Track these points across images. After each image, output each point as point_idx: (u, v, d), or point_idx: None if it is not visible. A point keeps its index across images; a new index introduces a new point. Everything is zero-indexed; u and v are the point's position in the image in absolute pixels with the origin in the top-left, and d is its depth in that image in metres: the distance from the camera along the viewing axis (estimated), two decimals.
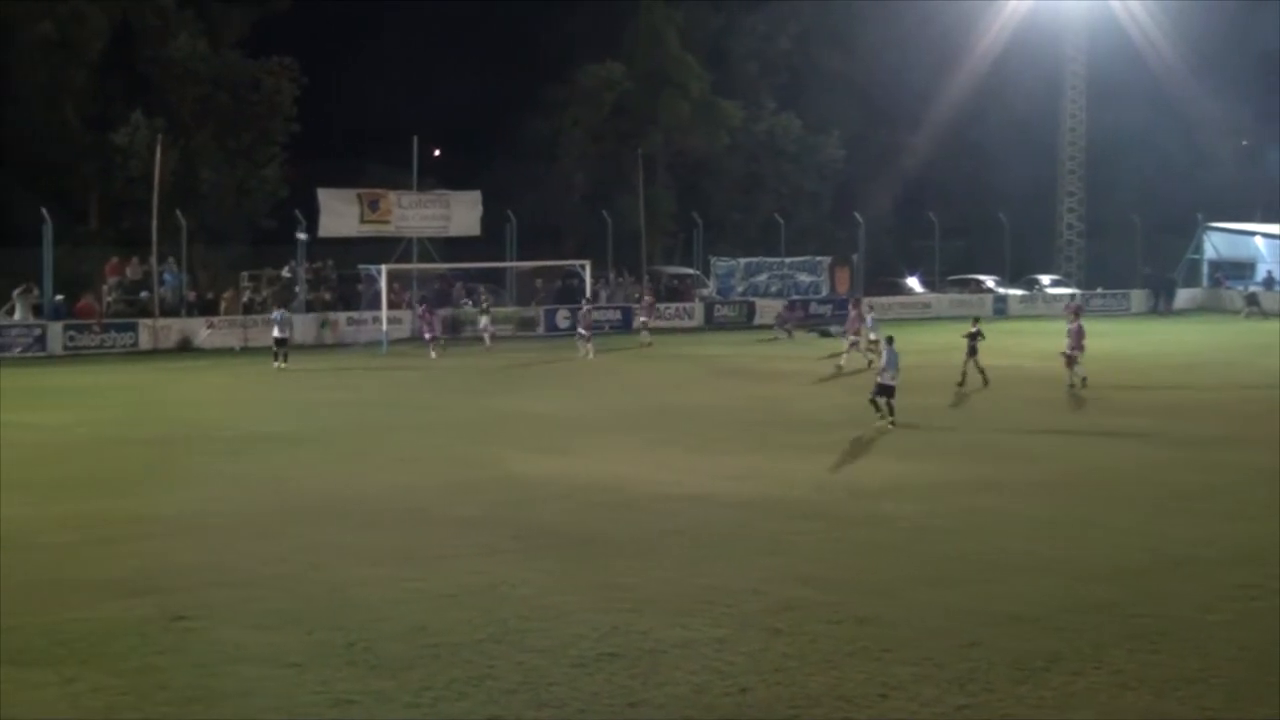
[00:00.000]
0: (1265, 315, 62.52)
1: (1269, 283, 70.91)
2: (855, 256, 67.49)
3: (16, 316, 49.26)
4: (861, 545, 18.43)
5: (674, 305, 61.86)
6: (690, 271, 66.80)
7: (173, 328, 50.51)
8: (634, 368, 43.99)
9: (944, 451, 26.59)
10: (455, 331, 53.88)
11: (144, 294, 51.98)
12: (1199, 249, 74.58)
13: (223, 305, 52.54)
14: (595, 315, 53.08)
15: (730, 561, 17.44)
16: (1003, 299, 67.50)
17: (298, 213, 54.12)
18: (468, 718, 12.07)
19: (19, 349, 47.33)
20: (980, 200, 72.50)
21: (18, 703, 12.31)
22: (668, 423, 30.73)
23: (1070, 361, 36.47)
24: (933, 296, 67.36)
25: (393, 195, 56.47)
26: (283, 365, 42.79)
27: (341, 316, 54.01)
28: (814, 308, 62.11)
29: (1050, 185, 76.52)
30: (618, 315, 58.37)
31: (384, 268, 51.78)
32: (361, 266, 54.72)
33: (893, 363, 30.14)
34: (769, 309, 59.58)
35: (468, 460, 25.46)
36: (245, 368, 42.77)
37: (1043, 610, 15.18)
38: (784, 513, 20.54)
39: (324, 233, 54.54)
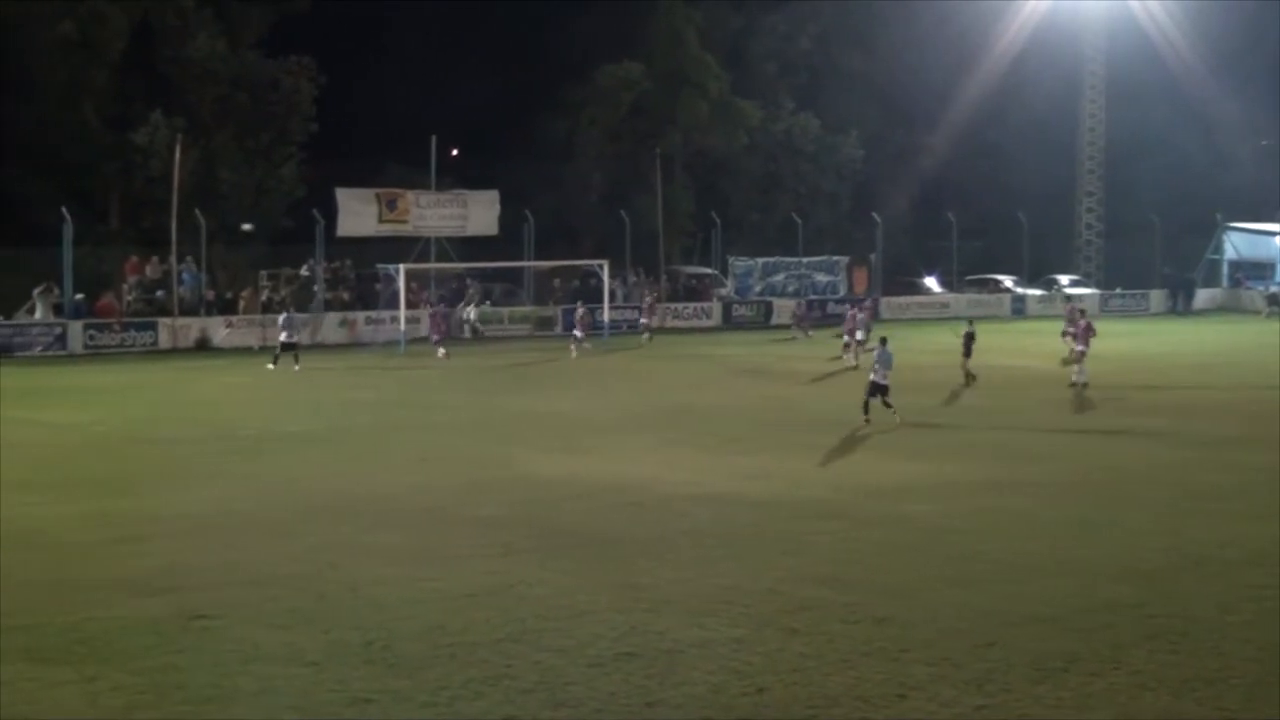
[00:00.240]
0: None
1: None
2: (873, 256, 67.39)
3: (37, 315, 49.45)
4: (878, 545, 18.41)
5: (692, 305, 61.94)
6: (708, 271, 66.77)
7: (192, 327, 50.66)
8: (650, 367, 43.96)
9: (959, 451, 26.55)
10: (474, 332, 54.06)
11: (160, 293, 52.11)
12: (1219, 249, 74.36)
13: (241, 304, 52.65)
14: (613, 315, 53.31)
15: (747, 561, 17.43)
16: (1021, 299, 67.37)
17: (316, 212, 54.25)
18: (485, 717, 12.08)
19: (40, 348, 47.52)
20: (999, 200, 72.31)
21: (37, 701, 12.36)
22: (684, 422, 30.72)
23: (1079, 357, 36.40)
24: (951, 296, 67.26)
25: (411, 195, 56.55)
26: (280, 366, 42.62)
27: (360, 316, 54.11)
28: (831, 308, 62.01)
29: (1069, 185, 76.37)
30: (635, 315, 58.35)
31: (402, 267, 51.83)
32: (379, 266, 54.77)
33: (886, 362, 30.18)
34: (787, 309, 59.52)
35: (485, 460, 25.49)
36: (264, 367, 42.82)
37: (1061, 611, 15.16)
38: (800, 513, 20.54)
39: (342, 232, 54.65)
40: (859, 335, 42.89)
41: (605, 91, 71.03)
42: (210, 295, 53.12)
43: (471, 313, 51.44)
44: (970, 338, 37.63)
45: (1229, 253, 74.49)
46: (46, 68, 58.30)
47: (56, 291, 49.75)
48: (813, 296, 61.91)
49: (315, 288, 54.73)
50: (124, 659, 13.48)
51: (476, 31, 74.11)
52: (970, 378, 36.92)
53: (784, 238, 68.03)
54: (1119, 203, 75.45)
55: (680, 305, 61.67)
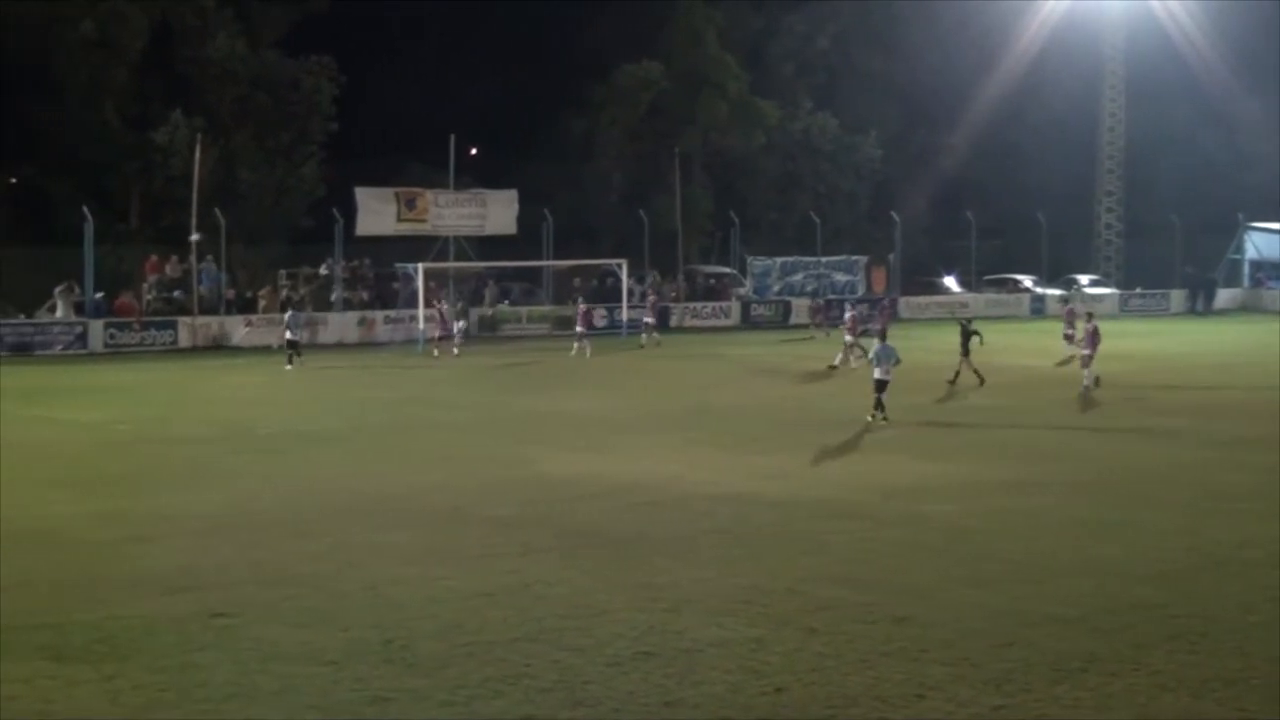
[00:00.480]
0: None
1: None
2: (892, 256, 67.31)
3: (58, 314, 49.66)
4: (897, 545, 18.39)
5: (710, 304, 61.96)
6: (727, 271, 66.75)
7: (211, 326, 50.81)
8: (667, 367, 43.97)
9: (977, 451, 26.51)
10: (493, 330, 54.18)
11: (178, 293, 52.25)
12: (1240, 249, 74.10)
13: (261, 303, 52.79)
14: (631, 314, 53.29)
15: (765, 561, 17.42)
16: (1040, 299, 67.23)
17: (335, 211, 54.37)
18: (503, 716, 12.08)
19: (61, 346, 47.74)
20: (1018, 200, 72.21)
21: (58, 699, 12.40)
22: (702, 422, 30.73)
23: (1086, 361, 36.31)
24: (969, 296, 67.15)
25: (429, 194, 56.62)
26: (298, 365, 42.72)
27: (379, 315, 54.21)
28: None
29: (1088, 185, 76.20)
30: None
31: (420, 266, 51.90)
32: (398, 265, 54.87)
33: (888, 357, 30.18)
34: (805, 308, 59.47)
35: (503, 459, 25.50)
36: (283, 366, 42.91)
37: (1080, 611, 15.12)
38: (819, 512, 20.52)
39: (361, 231, 54.76)
40: (846, 337, 42.67)
41: (624, 91, 71.09)
42: (230, 294, 53.27)
43: (460, 324, 50.50)
44: (968, 335, 37.49)
45: (1250, 252, 74.21)
46: (67, 67, 58.58)
47: (77, 290, 49.96)
48: (831, 296, 61.85)
49: (334, 286, 54.84)
50: (144, 657, 13.51)
51: (496, 31, 74.23)
52: (955, 377, 36.82)
53: (802, 237, 68.02)
54: (1139, 202, 75.26)
55: (699, 305, 61.69)
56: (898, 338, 44.87)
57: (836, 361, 41.71)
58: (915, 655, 13.57)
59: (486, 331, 55.43)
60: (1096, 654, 13.58)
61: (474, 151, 69.46)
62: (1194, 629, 14.49)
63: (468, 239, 57.11)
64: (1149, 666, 13.28)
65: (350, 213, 54.28)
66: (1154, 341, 49.03)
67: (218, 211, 51.87)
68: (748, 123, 72.39)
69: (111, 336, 48.79)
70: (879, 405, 29.97)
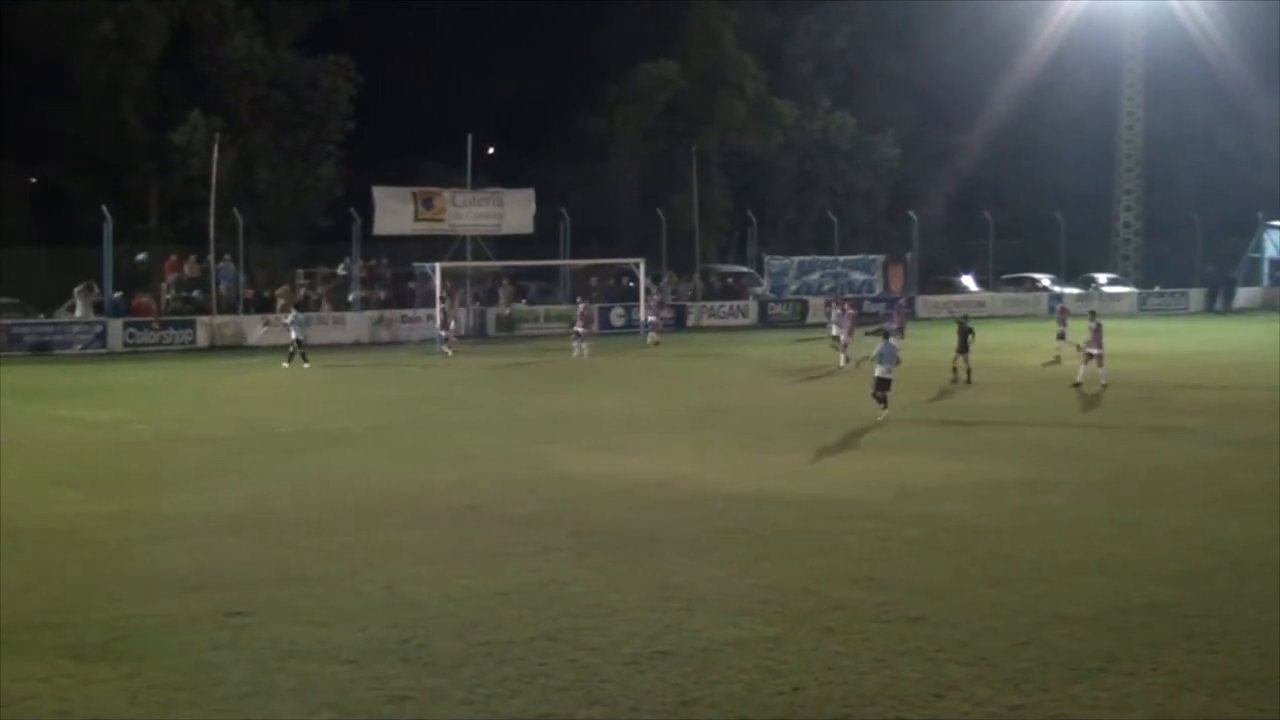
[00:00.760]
0: None
1: None
2: (909, 255, 67.25)
3: (78, 314, 49.83)
4: (912, 545, 18.36)
5: (728, 304, 62.00)
6: (744, 270, 66.76)
7: (230, 325, 50.95)
8: (683, 366, 43.98)
9: (992, 450, 26.47)
10: (510, 329, 54.28)
11: (196, 293, 52.42)
12: (1259, 247, 73.88)
13: (279, 303, 52.91)
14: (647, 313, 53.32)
15: (781, 560, 17.41)
16: (1058, 298, 67.04)
17: (352, 211, 54.46)
18: (520, 715, 12.09)
19: (80, 346, 47.92)
20: (1036, 199, 72.09)
21: (76, 698, 12.43)
22: (717, 421, 30.74)
23: (1088, 358, 36.22)
24: (987, 295, 67.09)
25: (447, 193, 56.71)
26: (294, 365, 42.90)
27: (396, 314, 54.30)
28: (866, 306, 61.86)
29: (1107, 184, 76.04)
30: (670, 314, 58.48)
31: (438, 265, 51.98)
32: (415, 264, 54.96)
33: (890, 356, 30.22)
34: (823, 308, 59.44)
35: (519, 458, 25.52)
36: (300, 367, 43.00)
37: (1097, 610, 15.09)
38: (834, 512, 20.50)
39: (378, 231, 54.88)
40: (841, 337, 42.56)
41: (641, 90, 71.11)
42: (249, 294, 53.40)
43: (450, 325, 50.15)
44: (967, 333, 37.47)
45: (1270, 251, 74.01)
46: (86, 67, 58.72)
47: (96, 290, 50.14)
48: (849, 295, 61.79)
49: (351, 286, 54.95)
50: (161, 656, 13.55)
51: (513, 31, 74.16)
52: (956, 374, 36.82)
53: (820, 236, 68.03)
54: (1158, 201, 75.05)
55: (716, 304, 61.74)
56: (914, 337, 45.23)
57: (843, 362, 41.49)
58: (931, 654, 13.55)
59: (503, 331, 55.54)
60: (1114, 653, 13.55)
61: (491, 151, 69.53)
62: (1211, 629, 14.44)
63: (485, 238, 57.19)
64: (1167, 666, 13.24)
65: (368, 212, 54.40)
66: (1172, 340, 48.90)
67: (236, 211, 52.02)
68: (765, 122, 72.35)
69: (131, 336, 48.97)
70: (883, 403, 30.04)
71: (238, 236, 52.41)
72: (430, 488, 22.56)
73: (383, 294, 56.19)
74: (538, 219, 57.97)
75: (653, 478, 23.33)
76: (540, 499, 21.49)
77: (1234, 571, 16.97)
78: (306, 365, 42.84)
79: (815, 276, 63.76)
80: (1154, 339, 47.49)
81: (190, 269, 53.62)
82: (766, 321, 61.03)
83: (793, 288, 63.33)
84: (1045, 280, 69.31)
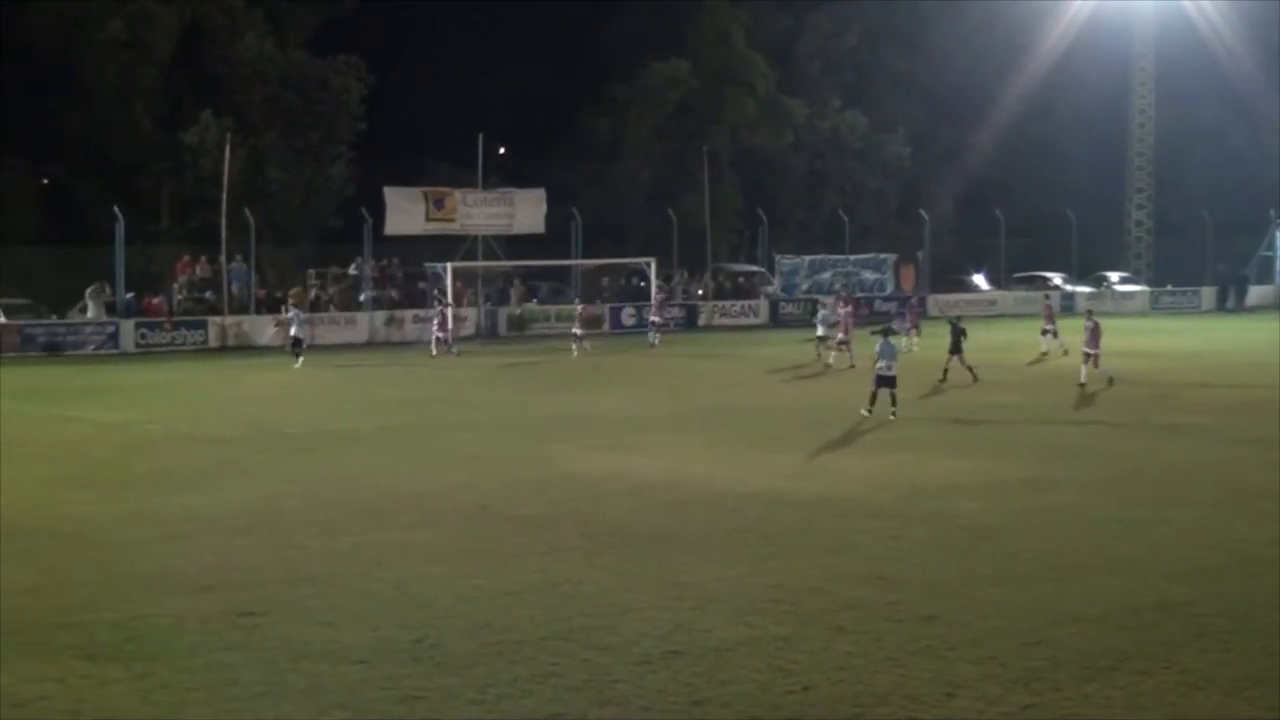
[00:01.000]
0: None
1: None
2: (920, 254, 67.23)
3: (90, 314, 49.94)
4: (923, 544, 18.34)
5: (739, 303, 62.03)
6: (755, 269, 66.77)
7: (241, 325, 51.05)
8: (692, 365, 44.00)
9: (1002, 449, 26.44)
10: (521, 329, 54.31)
11: (209, 294, 52.52)
12: (1271, 245, 73.74)
13: (290, 303, 52.98)
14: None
15: (792, 560, 17.40)
16: (1070, 296, 67.01)
17: (364, 211, 54.54)
18: (532, 715, 12.09)
19: (92, 346, 48.04)
20: (1047, 197, 72.04)
21: (90, 698, 12.45)
22: (727, 420, 30.74)
23: (1087, 358, 36.18)
24: (998, 294, 67.05)
25: (458, 193, 56.78)
26: (299, 364, 43.07)
27: (407, 314, 54.36)
28: (878, 304, 61.85)
29: (1118, 182, 75.95)
30: (680, 313, 58.52)
31: (449, 265, 51.99)
32: (427, 264, 55.03)
33: (890, 354, 30.35)
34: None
35: (529, 458, 25.53)
36: (311, 365, 43.08)
37: (1109, 609, 15.06)
38: (844, 511, 20.49)
39: (390, 231, 54.97)
40: (839, 336, 42.44)
41: (652, 90, 71.14)
42: (260, 294, 53.48)
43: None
44: (959, 333, 37.49)
45: None
46: (96, 68, 58.86)
47: (108, 290, 50.25)
48: (859, 294, 61.78)
49: (362, 286, 55.01)
50: (174, 656, 13.57)
51: (524, 30, 74.29)
52: (946, 375, 36.81)
53: (830, 235, 68.05)
54: (1169, 199, 74.99)
55: (727, 303, 61.76)
56: (925, 335, 45.20)
57: (846, 362, 41.30)
58: (943, 653, 13.54)
59: (515, 331, 55.59)
60: (1126, 652, 13.53)
61: (502, 151, 69.59)
62: (1223, 627, 14.41)
63: (496, 238, 57.23)
64: (1179, 665, 13.21)
65: (379, 212, 54.48)
66: (1184, 339, 48.79)
67: (247, 211, 52.13)
68: (776, 121, 72.39)
69: (143, 336, 49.09)
70: (892, 400, 30.15)
71: (249, 236, 52.51)
72: (439, 488, 22.57)
73: (394, 294, 56.27)
74: (549, 219, 58.02)
75: (662, 477, 23.33)
76: (550, 499, 21.49)
77: (1245, 570, 16.93)
78: (297, 365, 42.91)
79: (826, 275, 63.77)
80: (1166, 338, 47.39)
81: (202, 269, 53.73)
82: (778, 321, 61.03)
83: (804, 287, 63.35)
84: (1057, 279, 69.23)
